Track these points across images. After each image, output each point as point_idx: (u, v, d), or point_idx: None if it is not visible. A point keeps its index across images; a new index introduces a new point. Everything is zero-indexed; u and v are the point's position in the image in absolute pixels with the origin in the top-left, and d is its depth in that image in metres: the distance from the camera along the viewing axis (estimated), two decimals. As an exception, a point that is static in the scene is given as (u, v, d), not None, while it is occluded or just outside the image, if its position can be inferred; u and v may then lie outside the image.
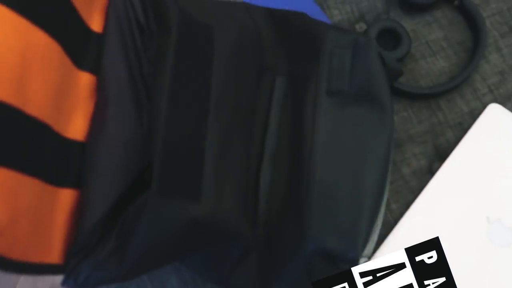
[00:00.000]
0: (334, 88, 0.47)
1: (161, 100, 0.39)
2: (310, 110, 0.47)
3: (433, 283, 0.45)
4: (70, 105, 0.40)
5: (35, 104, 0.34)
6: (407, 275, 0.46)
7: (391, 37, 0.61)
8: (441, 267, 0.46)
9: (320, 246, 0.43)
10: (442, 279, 0.45)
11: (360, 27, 0.63)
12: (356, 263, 0.43)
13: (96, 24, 0.43)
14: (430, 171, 0.57)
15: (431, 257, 0.48)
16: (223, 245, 0.45)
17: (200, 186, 0.40)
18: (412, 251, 0.48)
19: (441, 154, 0.58)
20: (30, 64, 0.33)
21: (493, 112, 0.56)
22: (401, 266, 0.47)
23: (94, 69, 0.43)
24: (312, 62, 0.49)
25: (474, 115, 0.59)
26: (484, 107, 0.59)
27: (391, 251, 0.54)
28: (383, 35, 0.60)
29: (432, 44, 0.62)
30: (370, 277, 0.44)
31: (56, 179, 0.37)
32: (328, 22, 0.62)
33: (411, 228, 0.54)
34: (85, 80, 0.42)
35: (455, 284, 0.45)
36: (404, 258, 0.47)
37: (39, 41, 0.34)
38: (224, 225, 0.42)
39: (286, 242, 0.45)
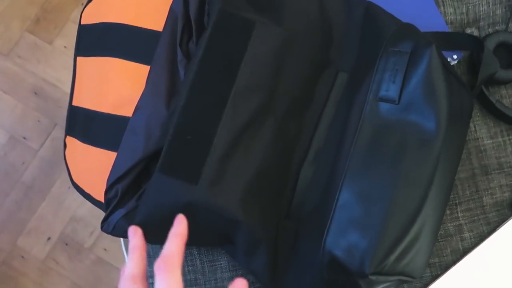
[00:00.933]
0: (384, 94, 0.44)
1: (184, 89, 0.45)
2: (357, 114, 0.45)
3: None
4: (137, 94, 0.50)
5: (105, 104, 0.51)
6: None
7: (507, 52, 0.55)
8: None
9: (334, 255, 0.42)
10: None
11: (472, 32, 0.57)
12: (365, 278, 0.41)
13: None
14: (512, 206, 0.54)
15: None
16: (228, 233, 0.46)
17: (200, 171, 0.44)
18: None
19: (528, 191, 0.54)
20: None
21: None
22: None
23: None
24: (371, 62, 0.46)
25: None
26: None
27: (455, 281, 0.52)
28: (498, 49, 0.54)
29: (546, 68, 0.56)
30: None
31: (111, 147, 0.51)
32: (439, 19, 0.56)
33: (481, 263, 0.51)
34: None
35: None
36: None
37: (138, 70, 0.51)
38: (220, 211, 0.44)
39: (309, 241, 0.45)
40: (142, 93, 0.49)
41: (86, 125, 0.53)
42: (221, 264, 0.54)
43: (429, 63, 0.43)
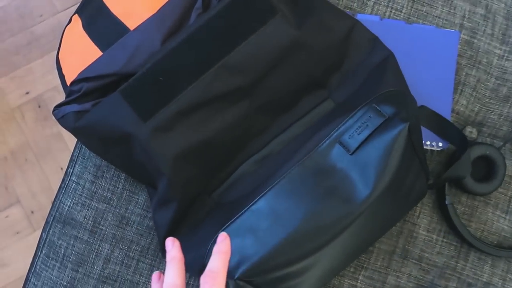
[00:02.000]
0: (344, 140, 0.45)
1: (181, 36, 0.46)
2: (313, 143, 0.46)
3: None
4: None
5: (126, 12, 0.51)
6: None
7: (486, 167, 0.55)
8: None
9: None
10: None
11: (470, 131, 0.57)
12: (232, 279, 0.43)
13: None
14: (409, 297, 0.55)
15: None
16: (151, 178, 0.49)
17: (154, 113, 0.46)
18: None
19: (430, 293, 0.55)
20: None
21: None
22: None
23: None
24: (355, 106, 0.47)
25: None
26: (501, 290, 0.55)
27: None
28: (481, 160, 0.54)
29: (514, 201, 0.56)
30: None
31: (103, 48, 0.51)
32: (448, 104, 0.56)
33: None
34: None
35: None
36: None
37: None
38: (151, 157, 0.46)
39: (213, 225, 0.47)
40: (150, 17, 0.50)
41: (95, 15, 0.54)
42: (138, 199, 0.56)
43: (395, 137, 0.43)
